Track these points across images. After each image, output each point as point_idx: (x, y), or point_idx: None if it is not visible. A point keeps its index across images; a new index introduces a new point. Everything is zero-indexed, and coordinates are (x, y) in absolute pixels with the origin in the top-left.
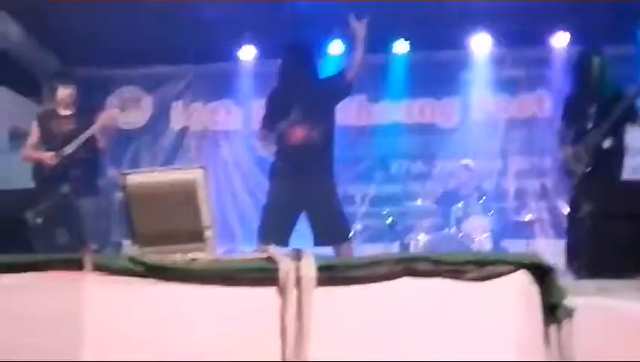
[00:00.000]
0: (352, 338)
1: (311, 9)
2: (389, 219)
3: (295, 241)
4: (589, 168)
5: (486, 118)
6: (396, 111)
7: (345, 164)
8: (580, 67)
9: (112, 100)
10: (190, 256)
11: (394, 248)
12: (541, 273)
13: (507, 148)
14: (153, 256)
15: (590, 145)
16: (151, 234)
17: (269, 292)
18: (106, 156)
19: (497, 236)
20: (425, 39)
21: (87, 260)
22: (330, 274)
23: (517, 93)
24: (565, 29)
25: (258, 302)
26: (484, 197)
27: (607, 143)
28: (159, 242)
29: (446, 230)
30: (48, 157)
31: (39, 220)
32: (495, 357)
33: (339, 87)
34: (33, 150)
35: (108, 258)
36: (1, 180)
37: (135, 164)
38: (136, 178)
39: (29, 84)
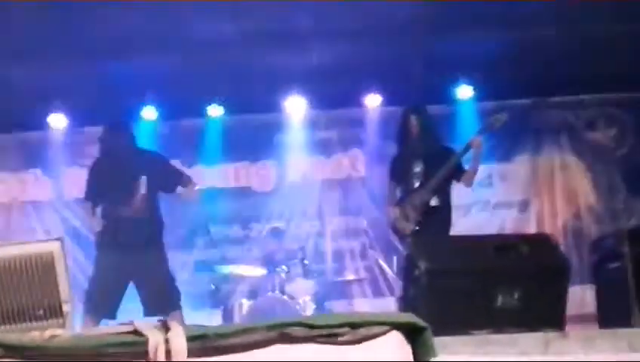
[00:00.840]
0: None
1: (122, 75)
2: (212, 286)
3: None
4: (417, 227)
5: (302, 180)
6: (211, 175)
7: (165, 230)
8: (402, 126)
9: None
10: (49, 332)
11: (217, 313)
12: (413, 332)
13: (323, 210)
14: (8, 334)
15: (418, 204)
16: (6, 311)
17: None
18: None
19: (320, 297)
20: (239, 102)
21: None
22: (202, 344)
23: (332, 154)
24: (378, 90)
25: None
26: (305, 261)
27: (434, 201)
28: (13, 319)
29: (269, 293)
30: None
31: None
32: None
33: None
34: None
35: None
36: None
37: None
38: None
39: None
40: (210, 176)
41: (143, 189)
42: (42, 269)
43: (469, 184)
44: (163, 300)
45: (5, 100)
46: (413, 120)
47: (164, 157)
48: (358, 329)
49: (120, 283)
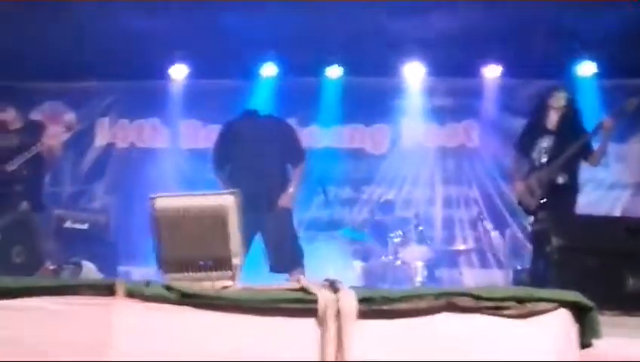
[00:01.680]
0: None
1: (245, 30)
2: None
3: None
4: (542, 202)
5: (415, 146)
6: (326, 135)
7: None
8: (542, 101)
9: (36, 114)
10: (220, 283)
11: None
12: (579, 311)
13: (435, 177)
14: (185, 283)
15: (545, 180)
16: (178, 260)
17: (307, 324)
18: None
19: (431, 265)
20: (358, 65)
21: (120, 286)
22: (370, 307)
23: (447, 122)
24: (497, 61)
25: (295, 333)
26: (420, 227)
27: (561, 178)
28: (186, 268)
29: (383, 257)
30: None
31: None
32: None
33: None
34: None
35: (139, 284)
36: None
37: (58, 181)
38: (166, 201)
39: None
40: (325, 136)
41: (273, 160)
42: (216, 221)
43: (595, 164)
44: (287, 258)
45: (129, 49)
46: (558, 97)
47: (291, 128)
48: (524, 304)
49: (247, 236)
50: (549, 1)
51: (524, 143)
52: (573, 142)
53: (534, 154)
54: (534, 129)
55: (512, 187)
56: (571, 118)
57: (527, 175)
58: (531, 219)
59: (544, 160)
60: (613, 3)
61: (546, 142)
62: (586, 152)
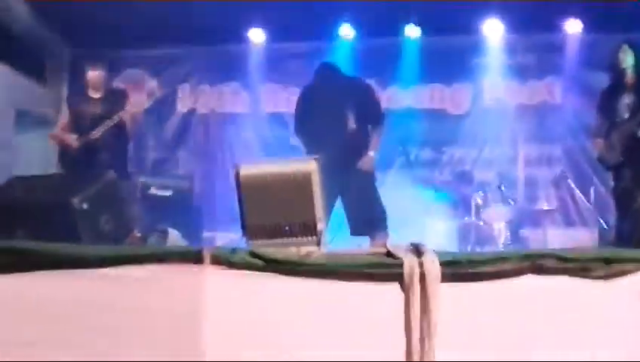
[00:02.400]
0: (478, 337)
1: None
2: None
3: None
4: (622, 158)
5: (496, 104)
6: (406, 96)
7: None
8: (614, 57)
9: (117, 82)
10: (305, 249)
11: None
12: None
13: (517, 136)
14: (269, 249)
15: (624, 135)
16: (263, 227)
17: (392, 289)
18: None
19: (514, 225)
20: (436, 24)
21: (206, 254)
22: (454, 270)
23: (528, 80)
24: (577, 16)
25: (380, 298)
26: (502, 187)
27: None
28: (271, 235)
29: (466, 218)
30: (73, 140)
31: (85, 206)
32: (622, 356)
33: None
34: (62, 132)
35: (225, 251)
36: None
37: (140, 147)
38: (250, 169)
39: (31, 64)
40: (405, 97)
41: (352, 123)
42: (299, 187)
43: None
44: (369, 220)
45: (207, 14)
46: (627, 50)
47: (370, 89)
48: (611, 265)
49: (329, 201)
50: None
51: (606, 101)
52: None
53: (616, 111)
54: (614, 87)
55: (592, 143)
56: None
57: (607, 131)
58: (611, 175)
59: (626, 116)
60: None
61: (627, 99)
62: None
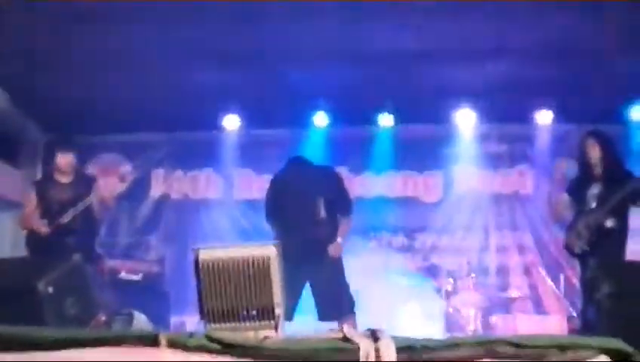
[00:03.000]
0: None
1: (297, 81)
2: None
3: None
4: (588, 247)
5: (469, 193)
6: (379, 183)
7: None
8: (581, 148)
9: (91, 167)
10: (263, 333)
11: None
12: (620, 358)
13: (489, 224)
14: (226, 333)
15: (592, 224)
16: (221, 310)
17: None
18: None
19: (484, 312)
20: (409, 113)
21: (162, 337)
22: (409, 356)
23: (500, 169)
24: (549, 107)
25: None
26: (473, 274)
27: (610, 223)
28: (229, 318)
29: (436, 304)
30: (42, 225)
31: (50, 289)
32: None
33: None
34: (30, 217)
35: (182, 335)
36: None
37: (112, 231)
38: (209, 253)
39: (6, 149)
40: (378, 184)
41: (322, 212)
42: (259, 272)
43: None
44: (337, 306)
45: (183, 100)
46: (592, 142)
47: (340, 178)
48: (565, 352)
49: (297, 286)
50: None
51: (574, 190)
52: (621, 187)
53: (584, 201)
54: (582, 177)
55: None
56: (612, 164)
57: (575, 220)
58: (577, 264)
59: (593, 205)
60: None
61: (594, 189)
62: (636, 197)
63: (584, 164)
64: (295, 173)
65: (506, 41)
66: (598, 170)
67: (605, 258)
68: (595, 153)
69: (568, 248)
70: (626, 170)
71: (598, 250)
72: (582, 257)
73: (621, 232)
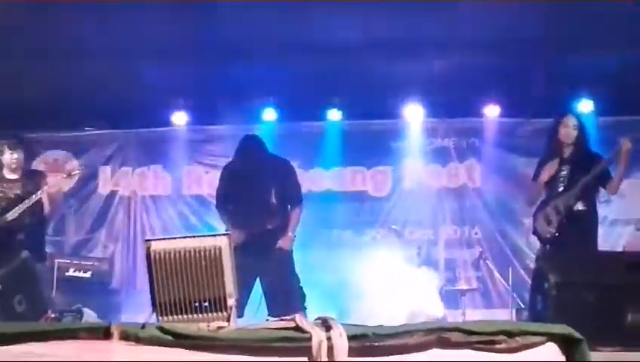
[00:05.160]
0: None
1: (245, 76)
2: None
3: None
4: (557, 232)
5: (417, 187)
6: (328, 178)
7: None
8: (555, 130)
9: (37, 164)
10: (215, 324)
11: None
12: (568, 343)
13: (438, 218)
14: (179, 324)
15: (562, 208)
16: (173, 302)
17: None
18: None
19: None
20: (358, 108)
21: (115, 329)
22: (361, 344)
23: (448, 163)
24: (496, 101)
25: None
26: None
27: (579, 205)
28: (181, 310)
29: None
30: None
31: None
32: None
33: None
34: None
35: (134, 327)
36: None
37: (60, 229)
38: (161, 244)
39: None
40: (327, 178)
41: (273, 199)
42: (210, 263)
43: (614, 191)
44: (287, 301)
45: (131, 97)
46: (574, 123)
47: (292, 168)
48: (514, 338)
49: (247, 281)
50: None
51: (542, 173)
52: (589, 170)
53: (552, 183)
54: (549, 157)
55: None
56: (583, 147)
57: (544, 204)
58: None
59: (561, 188)
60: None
61: (563, 171)
62: (604, 180)
63: (555, 144)
64: (249, 156)
65: (453, 35)
66: (567, 151)
67: (576, 244)
68: (572, 134)
69: (537, 233)
70: (593, 151)
71: (567, 234)
72: (551, 242)
73: (590, 216)
